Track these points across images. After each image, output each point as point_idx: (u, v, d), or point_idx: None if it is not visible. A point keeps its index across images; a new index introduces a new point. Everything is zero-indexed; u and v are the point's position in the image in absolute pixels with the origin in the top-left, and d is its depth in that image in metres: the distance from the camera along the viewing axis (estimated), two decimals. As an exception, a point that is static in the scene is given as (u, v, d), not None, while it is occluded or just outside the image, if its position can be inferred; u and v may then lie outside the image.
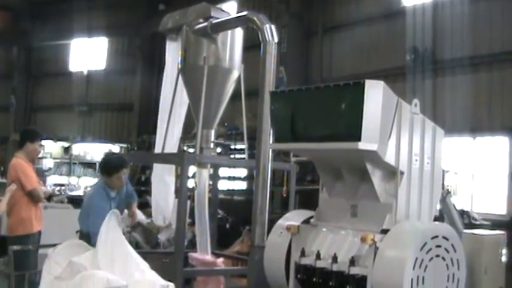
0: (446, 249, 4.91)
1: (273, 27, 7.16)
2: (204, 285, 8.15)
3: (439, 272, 4.86)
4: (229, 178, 16.98)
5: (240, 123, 10.16)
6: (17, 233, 7.18)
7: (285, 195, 12.50)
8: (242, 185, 17.04)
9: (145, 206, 11.82)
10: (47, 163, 21.10)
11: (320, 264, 5.18)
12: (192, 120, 8.48)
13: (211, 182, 9.19)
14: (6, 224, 7.60)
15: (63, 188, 18.07)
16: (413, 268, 4.62)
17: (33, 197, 7.12)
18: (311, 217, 5.72)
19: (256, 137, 6.96)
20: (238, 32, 8.29)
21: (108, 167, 6.62)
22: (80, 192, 17.10)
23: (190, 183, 8.68)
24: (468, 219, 11.08)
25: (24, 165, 7.25)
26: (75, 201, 12.72)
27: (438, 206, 8.66)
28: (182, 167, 7.63)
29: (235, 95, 8.51)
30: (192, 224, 8.91)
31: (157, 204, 8.98)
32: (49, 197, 7.49)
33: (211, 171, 9.13)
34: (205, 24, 8.02)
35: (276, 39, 7.12)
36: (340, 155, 5.28)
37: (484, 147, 13.90)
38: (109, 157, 7.32)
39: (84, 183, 20.27)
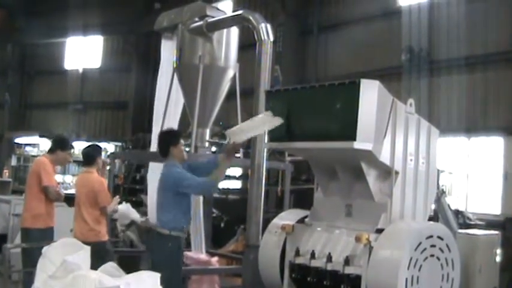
0: (440, 249, 4.92)
1: (268, 26, 7.15)
2: (199, 285, 8.13)
3: (434, 272, 4.87)
4: (224, 177, 16.92)
5: (235, 122, 10.15)
6: (25, 225, 7.34)
7: (279, 194, 12.53)
8: (237, 184, 17.01)
9: (140, 205, 11.80)
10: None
11: (314, 263, 5.18)
12: (187, 119, 8.47)
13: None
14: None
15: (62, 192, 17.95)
16: (408, 268, 4.62)
17: (47, 194, 7.27)
18: (306, 216, 5.72)
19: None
20: (234, 31, 8.27)
21: (174, 135, 6.51)
22: (74, 191, 16.97)
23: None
24: (463, 219, 11.08)
25: (47, 163, 7.51)
26: (70, 200, 12.66)
27: (433, 206, 8.68)
28: (177, 165, 7.60)
29: (231, 94, 8.50)
30: (187, 223, 8.88)
31: (152, 202, 8.95)
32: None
33: (206, 170, 9.10)
34: (200, 23, 8.01)
35: (271, 38, 7.11)
36: (335, 154, 5.28)
37: (479, 147, 13.93)
38: (167, 130, 7.06)
39: (78, 181, 20.19)
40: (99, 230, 7.25)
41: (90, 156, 7.51)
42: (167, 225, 6.14)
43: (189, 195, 6.35)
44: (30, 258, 6.81)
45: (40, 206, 7.30)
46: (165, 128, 8.55)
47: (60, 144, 7.72)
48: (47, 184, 7.30)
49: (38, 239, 6.95)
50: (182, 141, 6.54)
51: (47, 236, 7.14)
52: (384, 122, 5.03)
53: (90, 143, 8.24)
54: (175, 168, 6.26)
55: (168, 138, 6.45)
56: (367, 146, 4.85)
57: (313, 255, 5.22)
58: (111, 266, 5.54)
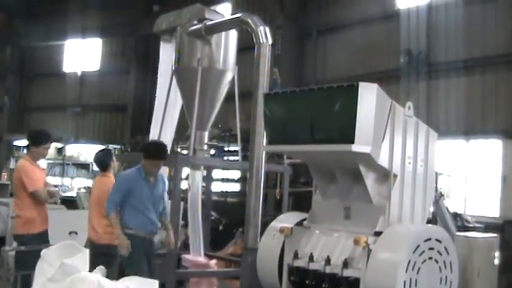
0: (439, 252, 4.92)
1: (267, 29, 7.16)
2: (197, 287, 8.14)
3: (432, 275, 4.87)
4: (223, 180, 16.94)
5: (234, 125, 10.16)
6: (19, 232, 7.24)
7: (278, 197, 12.52)
8: (235, 187, 17.01)
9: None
10: (40, 164, 20.99)
11: (313, 266, 5.18)
12: (186, 121, 8.47)
13: (204, 184, 9.18)
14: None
15: (56, 189, 17.94)
16: (406, 270, 4.62)
17: (37, 198, 7.17)
18: (304, 219, 5.72)
19: (250, 139, 6.95)
20: (233, 34, 8.28)
21: (152, 149, 6.88)
22: (73, 194, 16.98)
23: (184, 185, 8.67)
24: (461, 222, 11.08)
25: (27, 166, 7.28)
26: (69, 203, 12.66)
27: (431, 209, 8.68)
28: (175, 168, 7.62)
29: (229, 97, 8.51)
30: (185, 225, 8.89)
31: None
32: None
33: (205, 173, 9.12)
34: (199, 25, 8.02)
35: (270, 41, 7.12)
36: (333, 157, 5.28)
37: (477, 149, 13.93)
38: (155, 142, 7.54)
39: (77, 184, 20.19)
40: (112, 233, 7.09)
41: (103, 162, 7.46)
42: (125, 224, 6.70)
43: (137, 195, 6.67)
44: (24, 262, 6.74)
45: (31, 211, 7.12)
46: (164, 129, 8.60)
47: (31, 141, 7.54)
48: (33, 189, 7.10)
49: (34, 244, 6.89)
50: (161, 163, 6.83)
51: (42, 240, 7.09)
52: (382, 125, 5.04)
53: (103, 148, 8.17)
54: (124, 174, 7.09)
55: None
56: (366, 149, 4.85)
57: (311, 258, 5.22)
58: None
